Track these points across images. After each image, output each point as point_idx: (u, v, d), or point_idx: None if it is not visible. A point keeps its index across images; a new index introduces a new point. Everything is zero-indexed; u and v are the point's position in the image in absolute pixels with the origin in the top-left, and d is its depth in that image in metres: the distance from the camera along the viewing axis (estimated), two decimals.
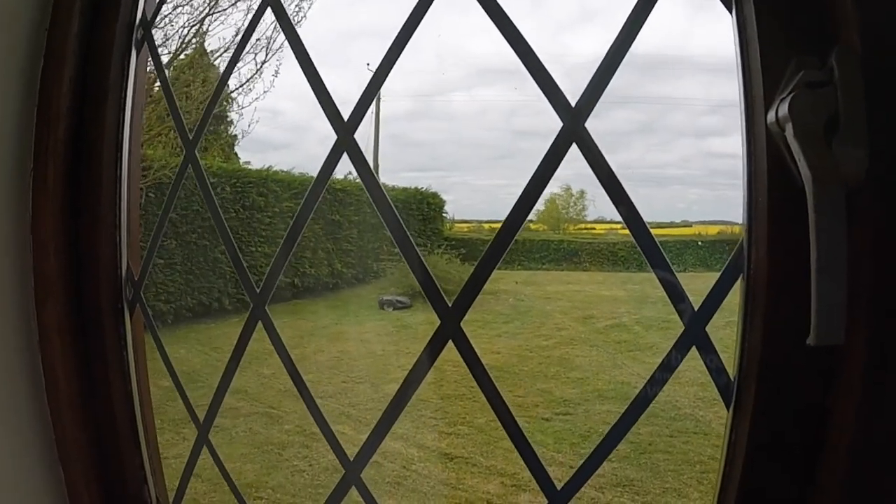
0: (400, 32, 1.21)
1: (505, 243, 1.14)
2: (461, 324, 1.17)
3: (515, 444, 1.18)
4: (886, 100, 0.79)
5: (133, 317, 1.52)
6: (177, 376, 1.65)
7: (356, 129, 1.26)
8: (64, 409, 1.41)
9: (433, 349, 1.20)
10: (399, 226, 1.23)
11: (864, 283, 0.80)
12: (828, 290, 0.77)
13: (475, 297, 1.17)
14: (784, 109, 0.81)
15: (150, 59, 1.53)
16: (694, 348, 1.03)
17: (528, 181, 1.10)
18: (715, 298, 1.01)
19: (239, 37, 9.86)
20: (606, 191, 1.05)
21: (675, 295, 1.04)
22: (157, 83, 9.52)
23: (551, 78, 1.08)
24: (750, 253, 0.94)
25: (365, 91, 1.26)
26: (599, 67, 1.05)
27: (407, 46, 1.22)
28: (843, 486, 0.87)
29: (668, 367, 1.07)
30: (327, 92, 1.28)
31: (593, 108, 1.06)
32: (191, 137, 1.52)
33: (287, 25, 1.34)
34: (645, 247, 1.05)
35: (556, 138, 1.08)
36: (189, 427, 6.58)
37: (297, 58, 1.30)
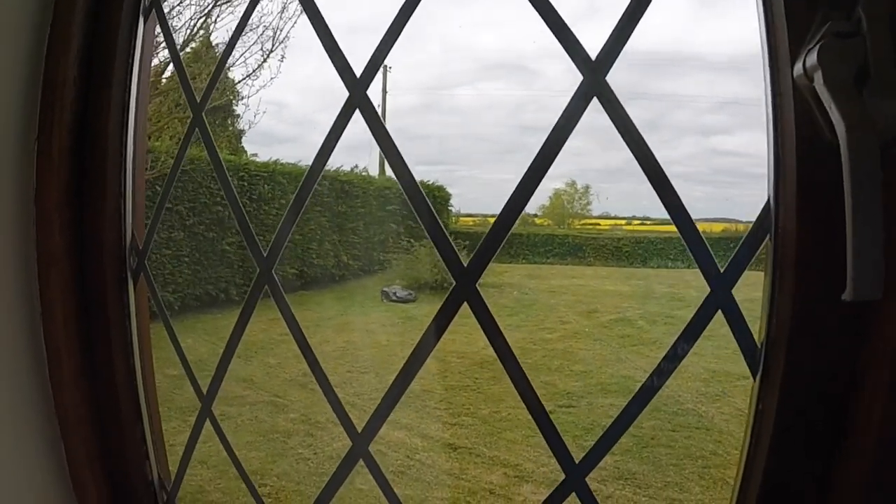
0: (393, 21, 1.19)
1: (529, 191, 1.11)
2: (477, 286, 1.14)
3: (535, 418, 1.14)
4: None
5: (137, 286, 1.50)
6: (175, 335, 1.63)
7: (368, 85, 1.23)
8: (66, 384, 1.40)
9: (446, 313, 1.17)
10: (411, 179, 1.26)
11: None
12: (865, 242, 0.74)
13: (492, 256, 1.15)
14: (813, 59, 0.79)
15: (157, 29, 1.52)
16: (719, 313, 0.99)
17: (543, 143, 1.07)
18: (741, 260, 0.98)
19: (247, 28, 9.85)
20: (630, 147, 1.02)
21: (702, 255, 1.00)
22: (163, 77, 9.59)
23: (570, 31, 1.05)
24: (777, 212, 0.92)
25: (376, 50, 1.21)
26: (619, 22, 1.01)
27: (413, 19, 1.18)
28: (872, 459, 0.85)
29: (691, 336, 1.04)
30: (338, 46, 1.25)
31: (614, 61, 1.02)
32: (198, 100, 1.50)
33: None
34: (671, 207, 1.02)
35: (576, 92, 1.04)
36: (195, 415, 6.59)
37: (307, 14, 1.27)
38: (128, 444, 1.49)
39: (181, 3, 9.59)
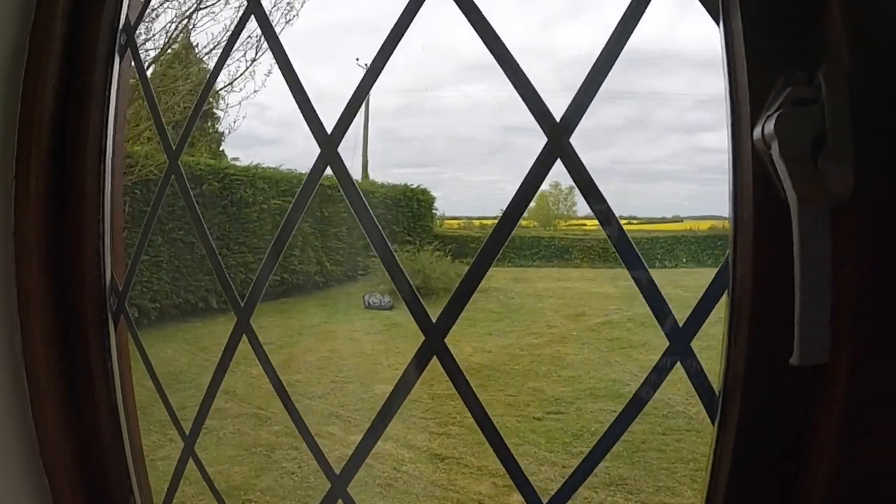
0: (388, 37, 1.22)
1: (489, 258, 1.14)
2: (446, 338, 1.15)
3: (500, 458, 1.14)
4: (874, 117, 0.77)
5: (118, 327, 1.50)
6: (161, 385, 1.66)
7: (339, 142, 1.25)
8: (49, 420, 1.40)
9: (418, 363, 1.19)
10: (382, 241, 1.23)
11: (848, 302, 0.79)
12: (811, 309, 0.76)
13: (460, 311, 1.15)
14: (770, 127, 0.79)
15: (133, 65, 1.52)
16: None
17: (514, 194, 1.10)
18: (700, 314, 1.00)
19: (227, 34, 9.79)
20: (587, 199, 1.05)
21: (659, 308, 1.05)
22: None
23: (532, 86, 1.09)
24: (735, 269, 0.92)
25: (350, 101, 1.25)
26: (587, 77, 1.04)
27: (396, 47, 1.23)
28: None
29: (655, 380, 1.08)
30: (310, 103, 1.27)
31: (578, 123, 1.05)
32: (174, 147, 1.50)
33: (270, 34, 1.35)
34: (623, 251, 1.06)
35: (540, 154, 1.07)
36: (175, 430, 6.53)
37: (280, 68, 1.30)
38: (111, 477, 1.49)
39: (161, 4, 9.51)
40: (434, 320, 1.16)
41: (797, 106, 0.78)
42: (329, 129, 1.25)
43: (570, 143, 1.05)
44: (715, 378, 0.98)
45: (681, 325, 1.03)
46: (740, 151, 0.90)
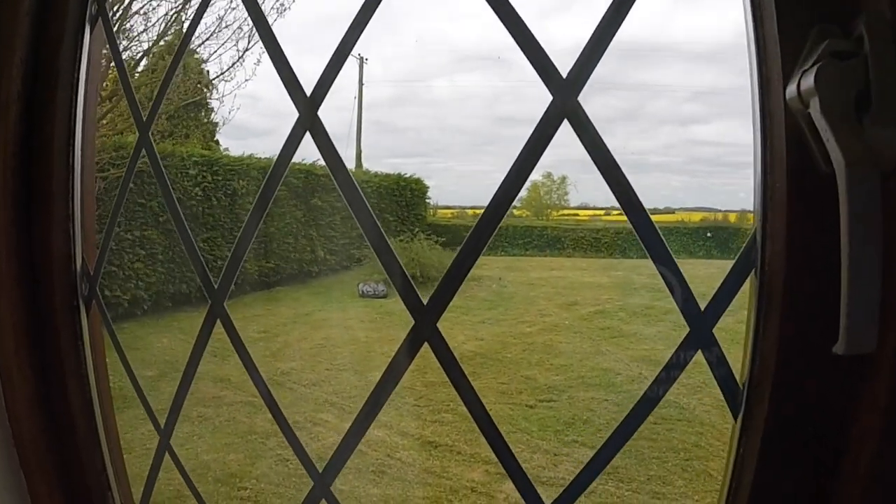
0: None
1: (486, 234, 1.04)
2: (438, 323, 1.08)
3: (493, 446, 1.08)
4: None
5: (90, 313, 1.44)
6: (135, 376, 1.62)
7: (319, 105, 1.14)
8: (22, 412, 1.34)
9: (409, 351, 1.10)
10: (371, 219, 1.14)
11: None
12: (861, 290, 0.68)
13: (452, 294, 1.07)
14: (808, 82, 0.72)
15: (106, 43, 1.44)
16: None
17: (511, 165, 1.00)
18: (723, 298, 0.92)
19: (221, 23, 9.74)
20: (603, 175, 0.96)
21: (680, 291, 0.95)
22: (139, 67, 9.47)
23: (541, 48, 0.98)
24: (764, 247, 0.85)
25: (329, 62, 1.14)
26: (591, 37, 0.94)
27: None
28: None
29: (675, 366, 0.98)
30: (288, 65, 1.17)
31: (585, 81, 0.96)
32: (144, 119, 1.40)
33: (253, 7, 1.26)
34: (646, 238, 0.95)
35: (545, 114, 0.97)
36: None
37: (259, 33, 1.22)
38: (87, 471, 1.44)
39: None
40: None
41: (837, 59, 0.71)
42: (308, 91, 1.15)
43: (578, 103, 0.96)
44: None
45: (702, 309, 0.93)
46: (770, 112, 0.82)
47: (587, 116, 0.95)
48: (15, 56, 1.27)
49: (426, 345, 1.08)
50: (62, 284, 1.39)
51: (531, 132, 0.98)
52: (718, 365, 0.92)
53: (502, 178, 1.01)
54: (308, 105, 1.14)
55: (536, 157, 0.99)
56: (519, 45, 0.98)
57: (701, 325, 0.93)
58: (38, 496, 1.37)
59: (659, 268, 0.96)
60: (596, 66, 0.95)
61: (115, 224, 1.57)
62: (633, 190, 0.95)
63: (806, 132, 0.76)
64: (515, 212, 17.52)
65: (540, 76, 0.97)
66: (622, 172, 0.95)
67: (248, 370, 1.33)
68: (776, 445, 0.84)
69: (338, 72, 1.13)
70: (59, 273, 1.39)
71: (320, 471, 1.22)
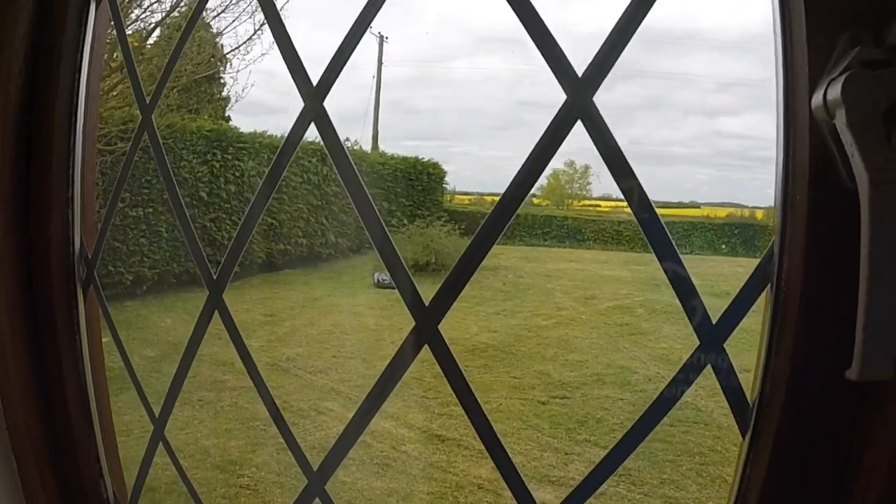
0: None
1: (496, 230, 1.00)
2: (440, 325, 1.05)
3: (497, 463, 1.06)
4: None
5: (87, 298, 1.42)
6: (131, 366, 1.60)
7: (326, 95, 1.12)
8: (16, 397, 1.32)
9: (408, 352, 1.07)
10: (374, 214, 1.11)
11: None
12: (879, 315, 0.64)
13: (456, 295, 1.03)
14: (835, 92, 0.68)
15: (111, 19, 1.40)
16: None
17: (524, 161, 0.97)
18: (737, 311, 0.91)
19: None
20: (613, 174, 0.94)
21: (688, 298, 0.93)
22: (148, 43, 9.37)
23: (556, 44, 0.94)
24: (781, 260, 0.83)
25: (336, 53, 1.11)
26: (610, 35, 0.91)
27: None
28: None
29: (677, 384, 0.95)
30: (295, 51, 1.15)
31: (602, 80, 0.93)
32: (147, 101, 1.39)
33: None
34: (654, 237, 0.93)
35: (558, 113, 0.94)
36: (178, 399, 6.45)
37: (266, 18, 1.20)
38: (82, 461, 1.43)
39: None
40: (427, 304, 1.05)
41: (868, 68, 0.68)
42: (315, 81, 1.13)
43: (593, 103, 0.93)
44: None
45: (714, 322, 0.92)
46: (794, 121, 0.80)
47: (601, 118, 0.93)
48: (17, 31, 1.25)
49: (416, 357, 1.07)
50: (59, 267, 1.37)
51: (544, 130, 0.96)
52: (728, 380, 0.91)
53: (518, 170, 0.99)
54: (314, 95, 1.13)
55: (549, 157, 0.97)
56: (533, 39, 0.95)
57: (712, 339, 0.92)
58: (29, 481, 1.35)
59: (671, 278, 0.93)
60: (614, 63, 0.92)
61: (115, 207, 1.56)
62: (647, 198, 0.94)
63: (831, 144, 0.74)
64: (535, 200, 17.45)
65: (554, 73, 0.95)
66: (637, 180, 0.94)
67: (245, 363, 1.34)
68: (783, 469, 0.84)
69: (348, 56, 1.11)
70: (57, 255, 1.36)
71: (315, 469, 1.22)
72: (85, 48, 1.33)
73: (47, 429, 1.39)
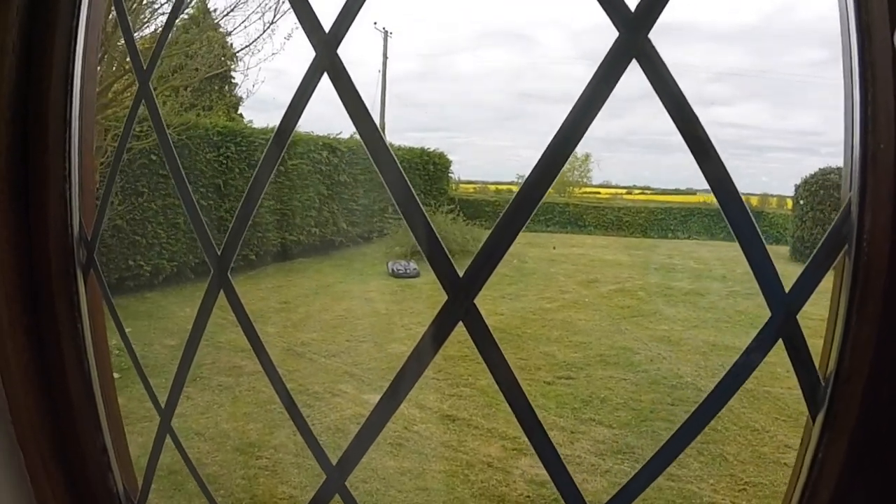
0: None
1: (543, 182, 0.89)
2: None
3: (540, 454, 0.94)
4: None
5: (87, 282, 1.37)
6: (136, 355, 1.55)
7: (338, 45, 1.00)
8: (18, 387, 1.29)
9: (439, 330, 0.96)
10: (403, 183, 0.98)
11: None
12: None
13: (493, 268, 0.93)
14: None
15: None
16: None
17: (570, 111, 0.86)
18: (810, 279, 0.79)
19: None
20: (674, 120, 0.83)
21: (763, 270, 0.80)
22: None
23: None
24: (862, 219, 0.73)
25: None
26: None
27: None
28: None
29: (746, 365, 0.85)
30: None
31: (657, 16, 0.82)
32: (145, 67, 1.31)
33: None
34: (727, 209, 0.83)
35: (610, 51, 0.84)
36: (195, 384, 6.66)
37: None
38: (88, 454, 1.39)
39: None
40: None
41: None
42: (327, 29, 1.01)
43: (648, 40, 0.82)
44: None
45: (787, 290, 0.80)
46: (871, 62, 0.72)
47: (659, 56, 0.82)
48: (11, 5, 1.21)
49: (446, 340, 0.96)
50: (58, 250, 1.33)
51: (596, 69, 0.84)
52: (798, 354, 0.80)
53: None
54: (325, 44, 1.01)
55: (604, 98, 0.85)
56: None
57: (783, 308, 0.80)
58: (36, 473, 1.32)
59: (736, 233, 0.82)
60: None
61: (113, 181, 1.45)
62: (711, 143, 0.83)
63: None
64: None
65: (604, 8, 0.83)
66: (700, 125, 0.83)
67: (252, 344, 1.22)
68: (864, 454, 0.75)
69: (360, 5, 0.98)
70: (56, 237, 1.32)
71: (334, 463, 1.11)
72: (80, 23, 1.27)
73: (51, 419, 1.34)
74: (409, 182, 0.98)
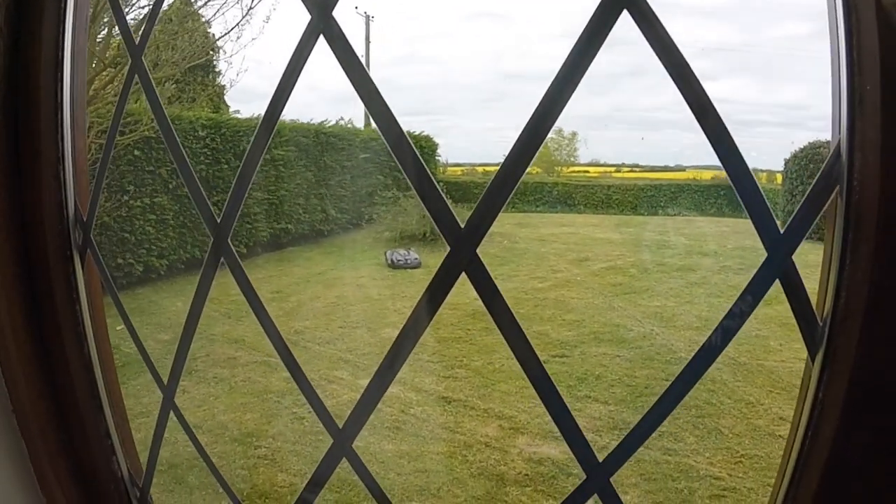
0: None
1: (533, 146, 0.89)
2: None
3: (549, 409, 0.94)
4: None
5: (85, 264, 1.35)
6: (139, 338, 1.52)
7: (334, 6, 0.98)
8: (18, 375, 1.28)
9: (441, 285, 0.96)
10: (394, 123, 0.99)
11: None
12: None
13: (493, 218, 0.93)
14: None
15: None
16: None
17: (562, 65, 0.85)
18: (804, 219, 0.80)
19: None
20: (672, 77, 0.84)
21: (758, 211, 0.80)
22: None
23: None
24: (852, 159, 0.74)
25: None
26: None
27: None
28: None
29: (744, 306, 0.86)
30: None
31: None
32: (136, 42, 1.27)
33: None
34: (718, 146, 0.82)
35: (602, 2, 0.82)
36: (190, 377, 6.66)
37: None
38: (91, 439, 1.38)
39: None
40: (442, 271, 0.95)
41: None
42: None
43: None
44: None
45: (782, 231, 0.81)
46: (856, 5, 0.72)
47: (650, 7, 0.81)
48: None
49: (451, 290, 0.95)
50: (54, 232, 1.31)
51: (587, 21, 0.83)
52: (797, 297, 0.81)
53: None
54: (321, 6, 0.98)
55: (595, 51, 0.84)
56: None
57: (778, 250, 0.81)
58: (40, 461, 1.32)
59: (733, 181, 0.83)
60: None
61: (108, 160, 1.41)
62: (706, 94, 0.83)
63: None
64: None
65: None
66: (694, 76, 0.83)
67: (258, 317, 1.19)
68: (865, 392, 0.75)
69: None
70: (51, 219, 1.30)
71: (340, 427, 1.13)
72: (68, 2, 1.25)
73: (53, 406, 1.33)
74: (401, 126, 1.00)
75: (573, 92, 0.87)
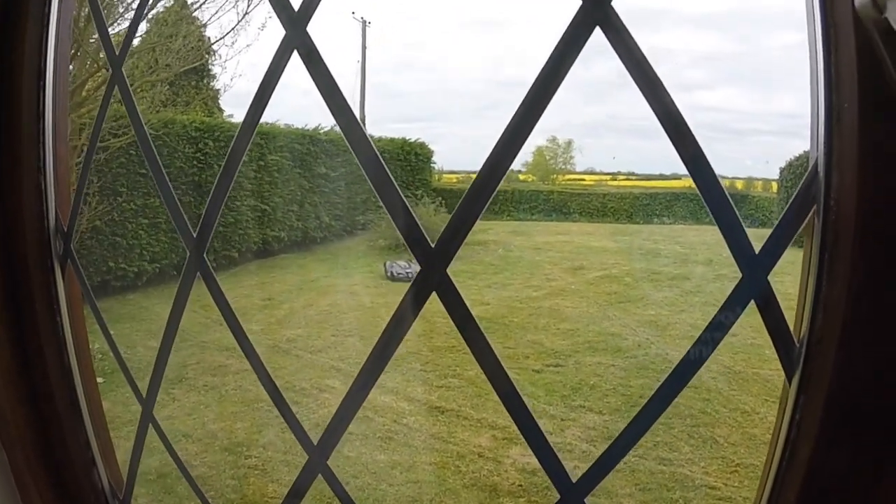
0: None
1: (503, 165, 0.94)
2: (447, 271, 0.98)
3: (521, 429, 1.00)
4: None
5: (65, 274, 1.37)
6: (117, 349, 1.57)
7: (308, 21, 1.02)
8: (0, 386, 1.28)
9: (415, 302, 1.01)
10: (376, 160, 1.01)
11: None
12: None
13: (465, 235, 0.96)
14: None
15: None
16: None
17: (536, 77, 0.87)
18: (780, 239, 0.81)
19: None
20: (640, 87, 0.84)
21: (733, 231, 0.83)
22: (137, 36, 9.37)
23: None
24: (829, 180, 0.74)
25: None
26: None
27: None
28: None
29: (719, 327, 0.88)
30: None
31: None
32: (117, 53, 1.32)
33: None
34: (692, 165, 0.86)
35: (574, 18, 0.84)
36: (178, 387, 6.60)
37: None
38: (71, 449, 1.38)
39: None
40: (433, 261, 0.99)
41: None
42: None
43: (612, 9, 0.83)
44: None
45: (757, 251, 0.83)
46: (836, 23, 0.72)
47: (624, 25, 0.83)
48: None
49: (430, 309, 1.01)
50: (34, 242, 1.32)
51: (559, 38, 0.86)
52: (771, 315, 0.82)
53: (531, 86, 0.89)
54: (295, 21, 1.02)
55: (568, 65, 0.86)
56: None
57: (754, 270, 0.83)
58: (19, 470, 1.31)
59: (707, 201, 0.87)
60: None
61: (88, 167, 1.43)
62: (677, 107, 0.85)
63: (879, 44, 0.66)
64: (521, 176, 17.62)
65: None
66: (666, 91, 0.84)
67: (234, 333, 1.25)
68: (841, 413, 0.75)
69: None
70: (31, 229, 1.31)
71: (316, 443, 1.16)
72: (52, 11, 1.26)
73: (34, 415, 1.34)
74: (376, 149, 1.01)
75: (544, 110, 0.89)
